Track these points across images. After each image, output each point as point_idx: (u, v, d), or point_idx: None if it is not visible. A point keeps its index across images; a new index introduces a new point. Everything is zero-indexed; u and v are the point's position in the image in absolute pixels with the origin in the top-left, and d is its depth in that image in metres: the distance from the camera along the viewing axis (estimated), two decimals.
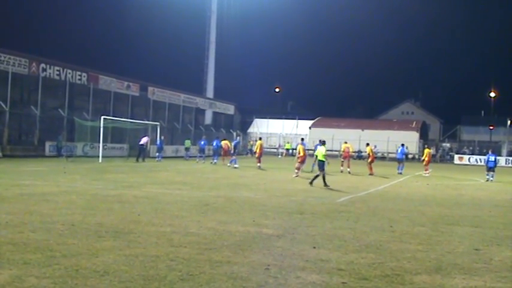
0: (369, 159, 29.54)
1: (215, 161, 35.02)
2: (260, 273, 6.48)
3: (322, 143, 20.76)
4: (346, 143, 31.70)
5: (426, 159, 30.47)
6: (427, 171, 30.01)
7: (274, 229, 9.62)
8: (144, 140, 35.14)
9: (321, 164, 19.55)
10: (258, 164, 30.20)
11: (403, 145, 32.44)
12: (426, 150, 31.30)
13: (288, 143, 62.78)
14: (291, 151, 58.74)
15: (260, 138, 34.21)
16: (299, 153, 25.03)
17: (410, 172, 31.42)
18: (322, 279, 6.35)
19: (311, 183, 19.44)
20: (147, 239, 8.25)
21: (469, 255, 8.06)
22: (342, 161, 30.99)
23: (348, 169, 29.33)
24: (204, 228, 9.41)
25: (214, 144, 35.93)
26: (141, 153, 34.58)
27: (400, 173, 29.71)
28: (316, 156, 20.77)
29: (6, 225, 8.97)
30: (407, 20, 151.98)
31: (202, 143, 38.28)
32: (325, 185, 19.01)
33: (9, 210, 10.56)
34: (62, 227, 8.98)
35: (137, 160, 33.76)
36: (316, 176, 19.50)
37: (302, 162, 25.01)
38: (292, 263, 7.10)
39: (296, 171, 24.68)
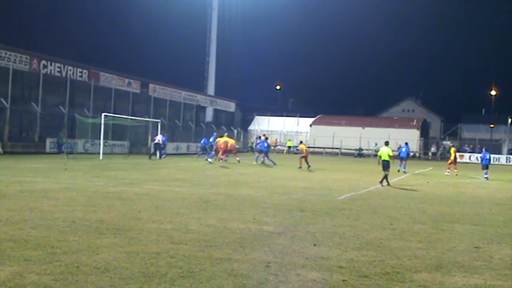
0: (302, 155, 30.90)
1: (197, 156, 36.31)
2: (260, 271, 6.48)
3: (386, 143, 21.57)
4: (301, 142, 34.43)
5: (452, 158, 31.02)
6: (456, 170, 30.56)
7: (275, 226, 9.63)
8: (158, 138, 35.52)
9: (386, 164, 20.22)
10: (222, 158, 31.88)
11: (407, 144, 32.57)
12: (453, 149, 31.89)
13: (289, 140, 62.74)
14: (293, 149, 58.82)
15: (227, 135, 35.15)
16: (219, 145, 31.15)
17: (411, 170, 31.41)
18: (323, 276, 6.36)
19: (381, 183, 20.13)
20: (147, 236, 8.26)
21: (469, 253, 8.07)
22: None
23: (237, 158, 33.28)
24: (204, 225, 9.42)
25: (202, 142, 36.74)
26: (156, 150, 35.27)
27: (405, 172, 29.78)
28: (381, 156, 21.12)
29: (6, 221, 8.98)
30: (408, 18, 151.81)
31: (202, 141, 38.06)
32: (388, 184, 20.01)
33: (9, 207, 10.57)
34: (62, 223, 8.99)
35: (150, 157, 34.31)
36: (385, 177, 20.28)
37: (223, 153, 30.77)
38: (292, 260, 7.10)
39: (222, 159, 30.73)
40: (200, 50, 70.09)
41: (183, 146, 47.29)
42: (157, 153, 35.32)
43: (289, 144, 61.26)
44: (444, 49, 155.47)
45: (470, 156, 56.34)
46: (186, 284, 5.80)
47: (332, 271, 6.61)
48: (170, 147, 43.86)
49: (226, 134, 36.05)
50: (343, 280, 6.24)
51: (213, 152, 32.70)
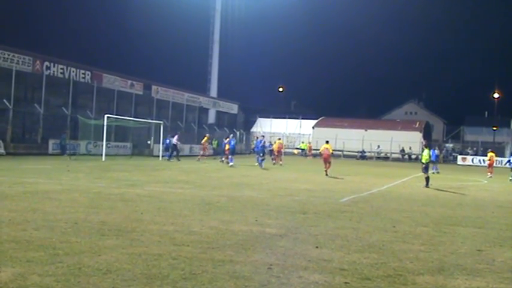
0: (202, 152, 34.30)
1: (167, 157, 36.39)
2: (262, 273, 6.48)
3: (425, 146, 23.05)
4: (279, 139, 37.07)
5: (489, 162, 32.30)
6: (491, 174, 31.41)
7: (277, 228, 9.62)
8: (175, 139, 36.04)
9: (425, 166, 21.53)
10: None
11: (433, 149, 34.34)
12: (490, 154, 32.97)
13: (303, 142, 62.52)
14: (304, 151, 59.03)
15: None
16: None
17: (413, 172, 31.37)
18: (325, 279, 6.35)
19: (427, 186, 21.06)
20: (149, 237, 8.26)
21: (471, 256, 8.05)
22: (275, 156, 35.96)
23: (280, 162, 35.03)
24: (206, 227, 9.41)
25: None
26: (173, 151, 36.00)
27: (438, 172, 31.77)
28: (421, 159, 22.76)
29: (9, 222, 8.99)
30: (411, 20, 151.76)
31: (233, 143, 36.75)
32: (426, 185, 21.04)
33: (12, 208, 10.58)
34: (64, 225, 9.00)
35: (178, 159, 35.49)
36: (427, 179, 21.41)
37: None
38: (294, 262, 7.10)
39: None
40: (203, 52, 70.27)
41: (185, 148, 47.26)
42: (174, 153, 36.03)
43: (302, 146, 61.04)
44: (447, 52, 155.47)
45: (472, 159, 56.24)
46: (188, 286, 5.80)
47: (334, 273, 6.60)
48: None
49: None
50: (345, 282, 6.23)
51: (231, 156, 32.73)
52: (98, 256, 6.88)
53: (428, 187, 20.77)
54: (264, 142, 34.22)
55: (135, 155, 39.43)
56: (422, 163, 21.75)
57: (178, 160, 35.14)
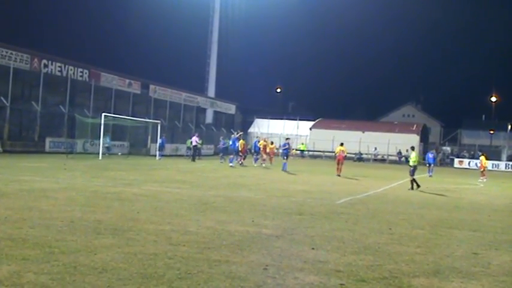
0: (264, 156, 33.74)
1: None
2: (258, 273, 6.48)
3: (412, 148, 22.89)
4: (267, 141, 35.02)
5: (484, 165, 32.32)
6: (484, 177, 31.18)
7: (273, 229, 9.62)
8: (195, 140, 36.50)
9: (412, 169, 21.31)
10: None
11: (432, 152, 34.52)
12: (482, 158, 32.88)
13: (302, 144, 62.37)
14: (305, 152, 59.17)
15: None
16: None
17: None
18: (320, 280, 6.35)
19: (411, 189, 20.74)
20: (145, 237, 8.25)
21: (467, 259, 8.06)
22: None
23: (263, 163, 33.50)
24: (203, 227, 9.41)
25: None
26: (195, 152, 36.66)
27: (430, 176, 31.78)
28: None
29: (5, 220, 8.97)
30: (409, 23, 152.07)
31: (231, 142, 34.77)
32: (411, 188, 20.69)
33: (8, 206, 10.56)
34: (61, 223, 8.99)
35: (193, 160, 35.81)
36: (414, 181, 21.06)
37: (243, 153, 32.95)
38: (290, 263, 7.10)
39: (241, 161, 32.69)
40: (201, 52, 70.21)
41: (182, 148, 47.26)
42: (195, 154, 36.48)
43: (302, 147, 60.88)
44: (445, 54, 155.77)
45: (469, 162, 56.30)
46: (184, 286, 5.80)
47: (330, 275, 6.61)
48: (169, 148, 43.88)
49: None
50: (341, 284, 6.24)
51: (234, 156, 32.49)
52: (94, 255, 6.88)
53: (412, 190, 20.38)
54: (259, 143, 34.81)
55: (132, 154, 39.37)
56: (410, 166, 21.64)
57: (193, 161, 35.36)
